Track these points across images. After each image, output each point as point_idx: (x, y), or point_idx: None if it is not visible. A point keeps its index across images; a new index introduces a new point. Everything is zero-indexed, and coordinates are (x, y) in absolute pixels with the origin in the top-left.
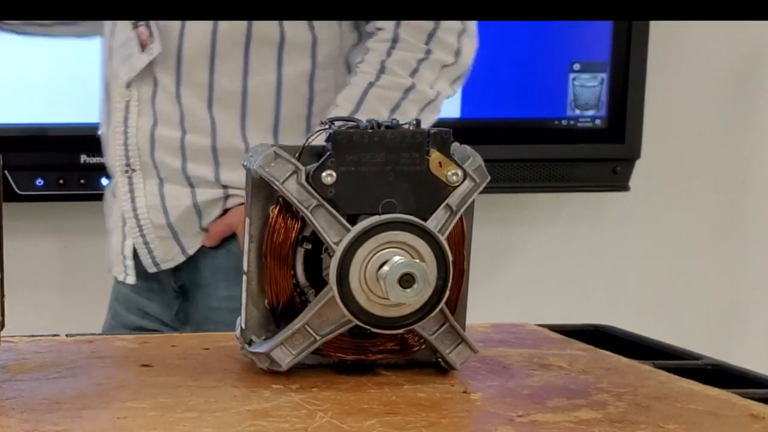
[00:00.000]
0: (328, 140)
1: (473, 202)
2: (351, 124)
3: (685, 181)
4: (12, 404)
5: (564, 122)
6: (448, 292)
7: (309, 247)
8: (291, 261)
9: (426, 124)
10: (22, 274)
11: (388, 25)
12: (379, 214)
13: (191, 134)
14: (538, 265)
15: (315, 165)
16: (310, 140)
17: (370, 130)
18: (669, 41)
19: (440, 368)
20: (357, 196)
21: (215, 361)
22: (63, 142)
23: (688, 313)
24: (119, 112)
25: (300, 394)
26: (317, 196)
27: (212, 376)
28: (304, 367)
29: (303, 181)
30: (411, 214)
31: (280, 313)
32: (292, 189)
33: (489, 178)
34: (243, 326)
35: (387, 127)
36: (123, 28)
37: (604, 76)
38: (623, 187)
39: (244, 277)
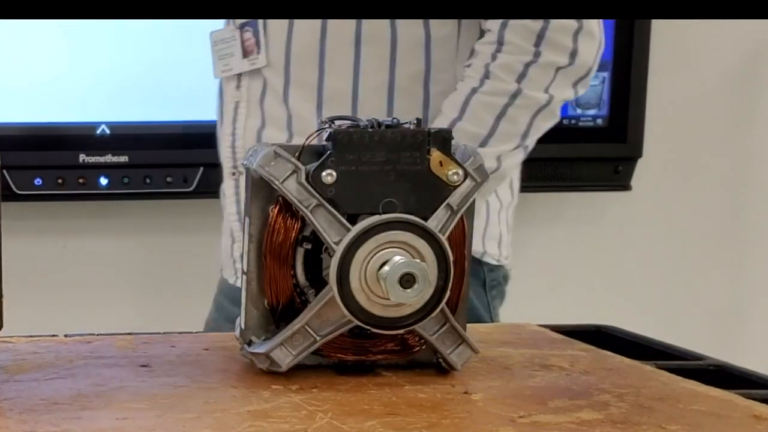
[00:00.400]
0: (328, 139)
1: (474, 201)
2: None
3: (687, 180)
4: (10, 405)
5: (565, 121)
6: (448, 292)
7: (309, 247)
8: (291, 261)
9: (540, 132)
10: (20, 274)
11: (494, 27)
12: (380, 214)
13: (298, 137)
14: (539, 265)
15: (315, 164)
16: (309, 139)
17: (370, 129)
18: (671, 40)
19: (441, 369)
20: (357, 196)
21: (215, 361)
22: (62, 141)
23: (690, 313)
24: (229, 113)
25: (300, 394)
26: (317, 195)
27: (211, 376)
28: (304, 367)
29: (303, 180)
30: (411, 214)
31: (279, 314)
32: (292, 188)
33: (489, 178)
34: (242, 327)
35: (387, 126)
36: (228, 22)
37: (606, 74)
38: (625, 186)
39: (244, 277)
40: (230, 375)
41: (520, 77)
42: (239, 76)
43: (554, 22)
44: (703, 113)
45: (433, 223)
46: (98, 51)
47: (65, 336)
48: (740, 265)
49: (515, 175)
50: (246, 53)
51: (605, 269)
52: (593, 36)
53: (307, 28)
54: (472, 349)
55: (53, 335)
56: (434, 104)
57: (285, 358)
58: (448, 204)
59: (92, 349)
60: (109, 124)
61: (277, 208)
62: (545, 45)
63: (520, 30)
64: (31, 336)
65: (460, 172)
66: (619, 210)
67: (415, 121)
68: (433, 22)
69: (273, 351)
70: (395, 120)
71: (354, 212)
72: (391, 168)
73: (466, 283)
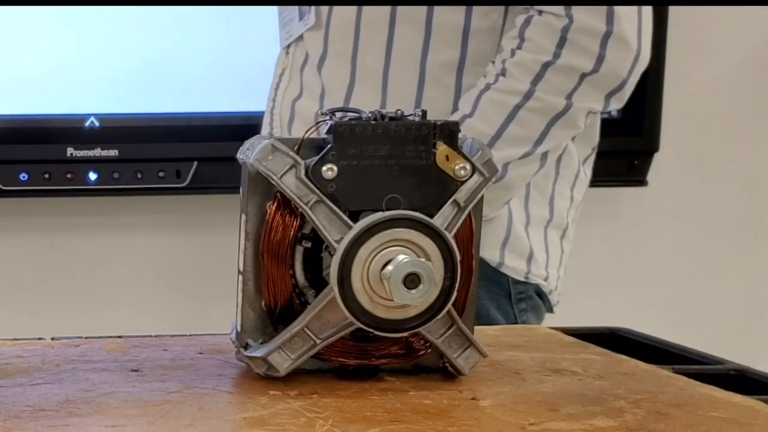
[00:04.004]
0: (328, 132)
1: (482, 197)
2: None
3: (705, 175)
4: None
5: None
6: (455, 293)
7: (308, 245)
8: (289, 260)
9: (557, 141)
10: (5, 273)
11: (518, 22)
12: (383, 211)
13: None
14: None
15: (315, 158)
16: (309, 132)
17: (373, 122)
18: (689, 29)
19: (447, 373)
20: (359, 192)
21: (209, 365)
22: (49, 134)
23: (709, 315)
24: (275, 80)
25: (299, 400)
26: (317, 191)
27: (206, 381)
28: (304, 372)
29: (302, 175)
30: (416, 211)
31: (277, 315)
32: (291, 184)
33: (498, 172)
34: (239, 329)
35: (391, 118)
36: None
37: None
38: (641, 181)
39: (240, 277)
40: (225, 380)
41: (536, 78)
42: (293, 43)
43: (579, 22)
44: (722, 105)
45: (439, 220)
46: (87, 40)
47: (52, 339)
48: (762, 263)
49: (560, 194)
50: (302, 15)
51: (620, 268)
52: (627, 44)
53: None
54: (480, 353)
55: (39, 338)
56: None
57: (283, 363)
58: (454, 200)
59: (80, 352)
60: (99, 116)
61: (275, 204)
62: (567, 46)
63: (542, 28)
64: (16, 339)
65: (468, 166)
66: (634, 206)
67: (420, 113)
68: (476, 12)
69: (271, 355)
70: (399, 112)
71: (356, 209)
72: (394, 162)
73: (474, 283)
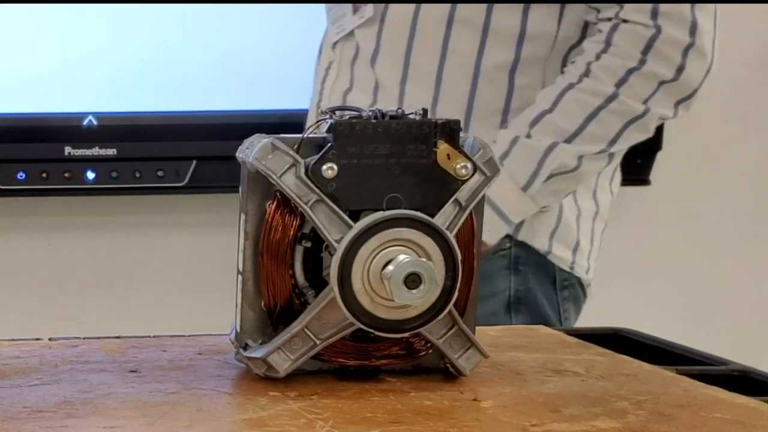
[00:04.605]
0: (328, 131)
1: (484, 196)
2: (353, 113)
3: (709, 174)
4: None
5: None
6: (456, 293)
7: (308, 245)
8: (289, 260)
9: (629, 143)
10: (2, 273)
11: (605, 27)
12: (384, 210)
13: (381, 104)
14: None
15: (315, 157)
16: (310, 131)
17: (373, 120)
18: None
19: (449, 374)
20: (360, 191)
21: (208, 366)
22: (46, 133)
23: (713, 315)
24: (321, 74)
25: (299, 401)
26: (317, 190)
27: (205, 382)
28: (304, 373)
29: (302, 174)
30: (417, 210)
31: (277, 316)
32: (291, 183)
33: (500, 171)
34: (238, 329)
35: (392, 117)
36: None
37: None
38: (644, 180)
39: (239, 277)
40: (225, 381)
41: (620, 82)
42: (336, 41)
43: (666, 33)
44: (726, 103)
45: (440, 219)
46: (85, 38)
47: (50, 339)
48: (766, 263)
49: (602, 187)
50: (356, 9)
51: (622, 268)
52: (704, 56)
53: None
54: (482, 354)
55: (37, 339)
56: (517, 97)
57: (283, 363)
58: (456, 199)
59: (78, 353)
60: (97, 115)
61: (275, 203)
62: (652, 54)
63: (630, 35)
64: (13, 339)
65: (469, 165)
66: (637, 205)
67: (421, 112)
68: (532, 17)
69: (270, 355)
70: (400, 110)
71: (356, 208)
72: (395, 161)
73: (475, 283)
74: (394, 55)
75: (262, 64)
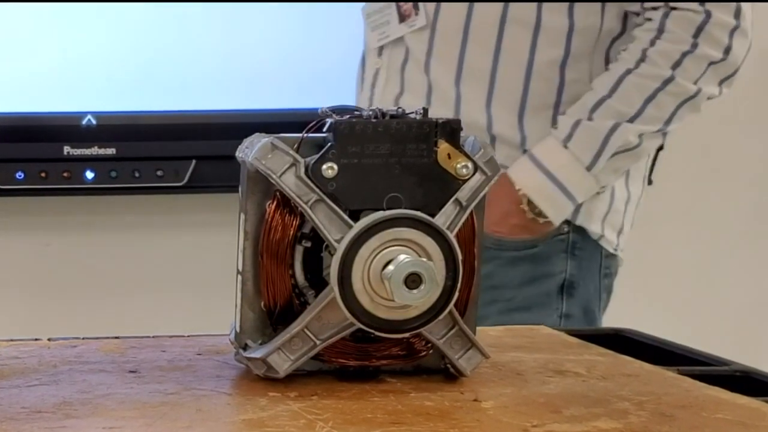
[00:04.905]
0: (328, 130)
1: (484, 196)
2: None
3: (711, 173)
4: None
5: None
6: (457, 293)
7: (308, 245)
8: (289, 260)
9: (682, 122)
10: (1, 273)
11: (656, 16)
12: (384, 210)
13: (435, 107)
14: None
15: (315, 157)
16: (309, 130)
17: (373, 120)
18: None
19: (449, 375)
20: (360, 191)
21: (208, 367)
22: (45, 133)
23: (715, 315)
24: (369, 80)
25: (299, 402)
26: (317, 190)
27: (204, 383)
28: (303, 373)
29: (302, 174)
30: (418, 210)
31: (277, 316)
32: (290, 183)
33: (501, 171)
34: (237, 330)
35: (392, 116)
36: None
37: None
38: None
39: (239, 278)
40: (224, 381)
41: (675, 65)
42: (382, 45)
43: (715, 17)
44: (730, 102)
45: (441, 219)
46: (85, 37)
47: (49, 340)
48: None
49: (644, 175)
50: (403, 18)
51: (624, 269)
52: (746, 36)
53: (455, 3)
54: (483, 354)
55: (36, 339)
56: (568, 91)
57: (283, 364)
58: (456, 199)
59: (77, 353)
60: (96, 114)
61: (275, 203)
62: (703, 38)
63: (682, 21)
64: (12, 340)
65: (470, 165)
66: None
67: (421, 111)
68: (577, 12)
69: (270, 356)
70: (400, 110)
71: (356, 208)
72: (395, 161)
73: (476, 283)
74: (448, 57)
75: (262, 63)
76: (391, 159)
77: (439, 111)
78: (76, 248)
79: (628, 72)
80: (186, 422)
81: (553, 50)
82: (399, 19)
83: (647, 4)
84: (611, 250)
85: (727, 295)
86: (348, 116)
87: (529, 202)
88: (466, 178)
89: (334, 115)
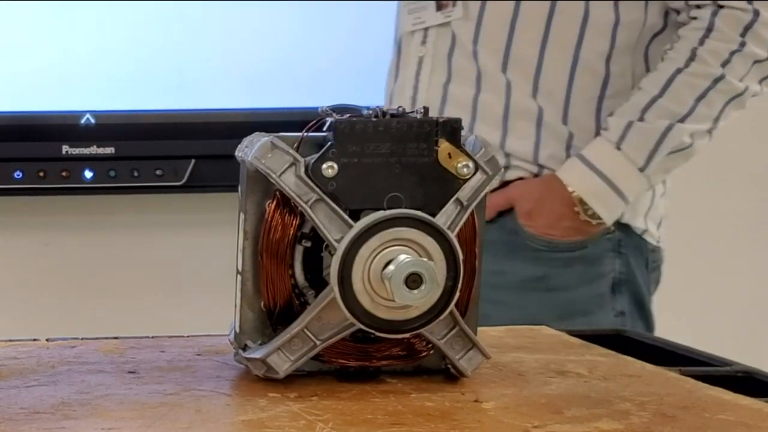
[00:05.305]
0: (328, 129)
1: (485, 196)
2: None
3: (712, 173)
4: None
5: None
6: (458, 293)
7: (308, 244)
8: (289, 260)
9: (727, 119)
10: None
11: (703, 15)
12: (384, 209)
13: (485, 93)
14: None
15: (315, 156)
16: (309, 129)
17: (374, 119)
18: None
19: (450, 375)
20: (360, 190)
21: (207, 367)
22: (44, 132)
23: (717, 316)
24: (410, 67)
25: (299, 403)
26: (317, 189)
27: (204, 383)
28: (303, 374)
29: (302, 173)
30: (418, 209)
31: (277, 316)
32: (290, 182)
33: (502, 170)
34: (237, 330)
35: (392, 115)
36: None
37: None
38: None
39: (239, 278)
40: (224, 382)
41: (725, 63)
42: (425, 31)
43: (763, 16)
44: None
45: (442, 219)
46: (83, 35)
47: (47, 340)
48: None
49: None
50: (440, 6)
51: None
52: None
53: None
54: (484, 355)
55: (34, 339)
56: (612, 84)
57: (283, 364)
58: (457, 199)
59: (76, 354)
60: (95, 113)
61: (275, 203)
62: (750, 36)
63: (731, 19)
64: (10, 340)
65: (471, 164)
66: None
67: (422, 110)
68: (622, 7)
69: (270, 356)
70: (400, 109)
71: (356, 207)
72: (396, 160)
73: (477, 283)
74: (494, 46)
75: (262, 62)
76: (392, 158)
77: (489, 98)
78: (74, 248)
79: (679, 71)
80: (185, 423)
81: (600, 43)
82: (436, 6)
83: (692, 2)
84: (654, 243)
85: (729, 296)
86: (348, 115)
87: (583, 204)
88: (467, 177)
89: (334, 114)
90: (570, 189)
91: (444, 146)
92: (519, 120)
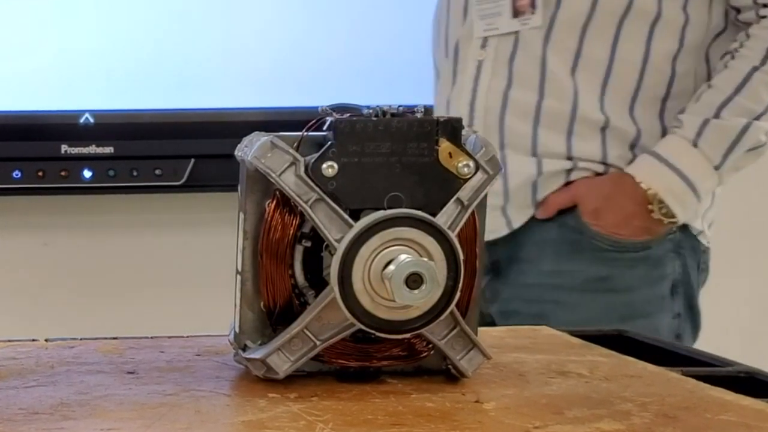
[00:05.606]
0: (328, 129)
1: (486, 195)
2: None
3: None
4: None
5: None
6: (458, 294)
7: (308, 244)
8: (289, 260)
9: None
10: None
11: None
12: (384, 209)
13: (549, 99)
14: None
15: (315, 156)
16: (308, 128)
17: (374, 118)
18: None
19: (450, 376)
20: (360, 190)
21: (207, 368)
22: (43, 131)
23: (718, 316)
24: (469, 72)
25: (299, 403)
26: (317, 189)
27: (203, 384)
28: (303, 374)
29: (302, 173)
30: (419, 209)
31: (277, 316)
32: (290, 182)
33: (502, 169)
34: (237, 330)
35: (393, 114)
36: None
37: None
38: None
39: (238, 277)
40: (223, 382)
41: None
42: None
43: None
44: None
45: (442, 218)
46: (82, 35)
47: (46, 340)
48: None
49: None
50: (517, 13)
51: None
52: None
53: None
54: (484, 355)
55: (33, 340)
56: (677, 84)
57: (282, 365)
58: (458, 198)
59: (75, 354)
60: (94, 113)
61: (274, 202)
62: None
63: None
64: (9, 340)
65: (471, 163)
66: None
67: (422, 109)
68: (690, 6)
69: (270, 357)
70: (401, 108)
71: (357, 207)
72: (396, 160)
73: (478, 284)
74: (565, 49)
75: (261, 61)
76: (392, 158)
77: (553, 103)
78: (73, 248)
79: (755, 69)
80: (185, 424)
81: (669, 43)
82: (512, 13)
83: (761, 0)
84: (705, 244)
85: (730, 296)
86: (348, 115)
87: (659, 202)
88: (468, 177)
89: (334, 114)
90: (644, 186)
91: (444, 146)
92: (584, 123)
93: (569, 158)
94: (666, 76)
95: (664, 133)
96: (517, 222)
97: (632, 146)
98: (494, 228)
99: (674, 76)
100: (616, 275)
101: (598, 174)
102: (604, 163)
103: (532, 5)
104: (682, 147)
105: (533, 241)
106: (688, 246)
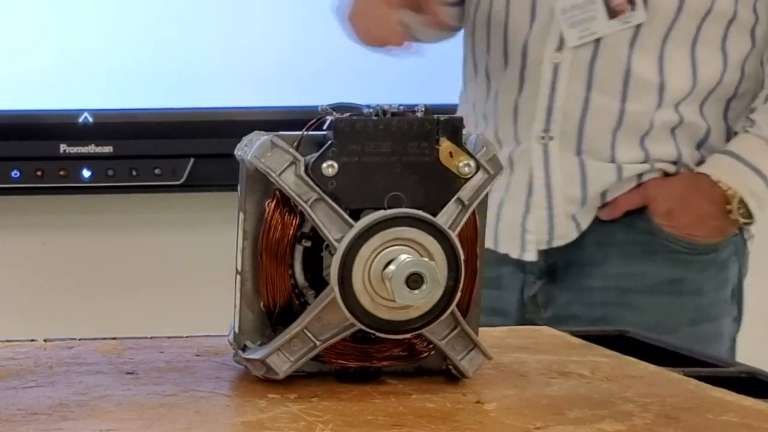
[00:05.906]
0: (328, 128)
1: (487, 195)
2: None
3: None
4: None
5: None
6: (459, 294)
7: (308, 244)
8: (289, 260)
9: None
10: None
11: None
12: (385, 209)
13: (632, 103)
14: None
15: (315, 155)
16: (309, 127)
17: (374, 117)
18: None
19: (451, 376)
20: (360, 189)
21: (206, 368)
22: (42, 131)
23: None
24: (546, 75)
25: (298, 404)
26: (317, 189)
27: (203, 384)
28: (303, 374)
29: (302, 172)
30: (419, 209)
31: (276, 317)
32: (290, 181)
33: (503, 169)
34: (236, 330)
35: (393, 114)
36: None
37: None
38: None
39: (238, 277)
40: (223, 383)
41: None
42: (561, 35)
43: None
44: None
45: (443, 218)
46: (81, 34)
47: (45, 341)
48: None
49: None
50: (615, 13)
51: None
52: None
53: None
54: (485, 355)
55: (32, 340)
56: (744, 84)
57: (282, 365)
58: (458, 198)
59: (74, 354)
60: (93, 112)
61: (274, 202)
62: None
63: None
64: (8, 341)
65: (472, 163)
66: None
67: (423, 109)
68: (759, 7)
69: (269, 357)
70: (401, 107)
71: (357, 207)
72: (396, 159)
73: (478, 284)
74: (649, 50)
75: (261, 60)
76: (392, 157)
77: (637, 107)
78: (72, 248)
79: None
80: (184, 424)
81: (742, 44)
82: (608, 14)
83: None
84: (749, 248)
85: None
86: (348, 114)
87: (740, 203)
88: (468, 176)
89: (334, 113)
90: (723, 186)
91: (445, 145)
92: (661, 125)
93: (645, 161)
94: (736, 77)
95: (728, 132)
96: (584, 224)
97: (699, 146)
98: (564, 234)
99: (743, 76)
100: (687, 278)
101: (667, 174)
102: (677, 162)
103: (631, 2)
104: (759, 146)
105: (597, 243)
106: (742, 250)
